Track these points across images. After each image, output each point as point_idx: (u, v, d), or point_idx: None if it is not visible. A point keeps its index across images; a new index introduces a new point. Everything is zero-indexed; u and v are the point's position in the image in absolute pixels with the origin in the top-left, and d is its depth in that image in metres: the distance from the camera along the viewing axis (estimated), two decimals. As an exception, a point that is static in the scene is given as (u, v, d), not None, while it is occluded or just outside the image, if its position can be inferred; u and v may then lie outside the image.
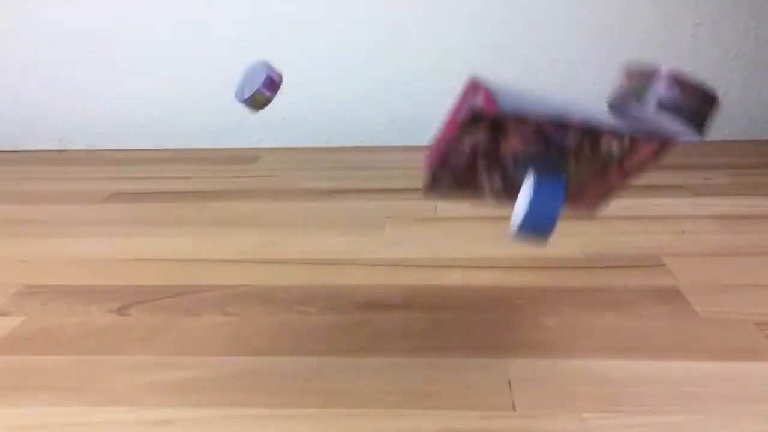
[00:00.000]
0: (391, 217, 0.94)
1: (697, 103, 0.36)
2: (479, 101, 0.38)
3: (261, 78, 0.68)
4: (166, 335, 0.64)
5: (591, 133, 0.40)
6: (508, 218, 0.92)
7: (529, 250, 0.81)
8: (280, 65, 1.32)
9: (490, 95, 0.37)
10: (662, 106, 0.36)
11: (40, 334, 0.64)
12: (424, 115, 1.34)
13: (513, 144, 0.41)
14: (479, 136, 0.40)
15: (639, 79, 0.37)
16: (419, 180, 1.11)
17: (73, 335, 0.64)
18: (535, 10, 1.27)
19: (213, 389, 0.55)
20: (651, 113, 0.37)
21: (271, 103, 1.34)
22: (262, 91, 0.69)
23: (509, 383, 0.55)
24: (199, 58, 1.31)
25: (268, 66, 0.67)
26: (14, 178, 1.20)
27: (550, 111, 0.38)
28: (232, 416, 0.51)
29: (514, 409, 0.51)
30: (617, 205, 0.96)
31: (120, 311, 0.68)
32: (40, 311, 0.69)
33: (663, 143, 0.41)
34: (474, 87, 0.39)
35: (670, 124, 0.38)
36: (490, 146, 0.41)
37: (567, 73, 1.30)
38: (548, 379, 0.55)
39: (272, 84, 0.70)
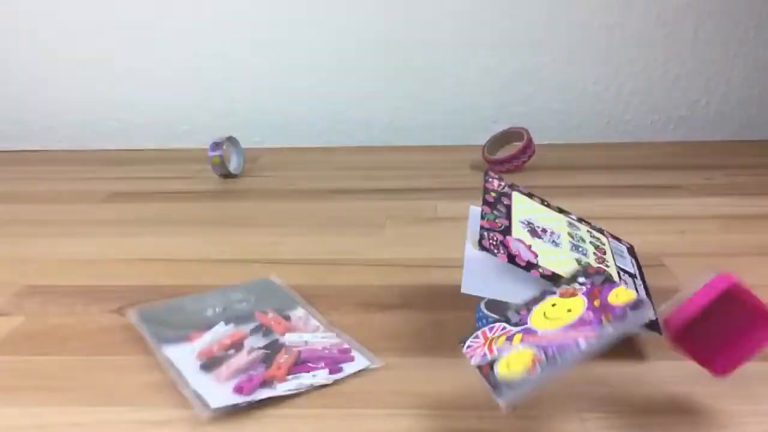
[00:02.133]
0: (391, 217, 0.94)
1: None
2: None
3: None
4: (166, 335, 0.64)
5: None
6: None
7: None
8: (280, 66, 1.32)
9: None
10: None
11: (40, 334, 0.64)
12: (424, 115, 1.34)
13: None
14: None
15: None
16: (419, 180, 1.11)
17: (73, 335, 0.64)
18: (534, 9, 1.27)
19: (213, 389, 0.55)
20: None
21: (271, 105, 1.34)
22: (211, 154, 1.11)
23: (509, 383, 0.55)
24: (200, 59, 1.31)
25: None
26: (14, 178, 1.20)
27: None
28: (232, 416, 0.51)
29: (514, 409, 0.51)
30: (617, 205, 0.97)
31: (120, 311, 0.68)
32: (40, 311, 0.69)
33: None
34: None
35: None
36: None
37: (566, 72, 1.30)
38: (548, 379, 0.55)
39: (215, 146, 1.11)
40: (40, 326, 0.66)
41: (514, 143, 1.16)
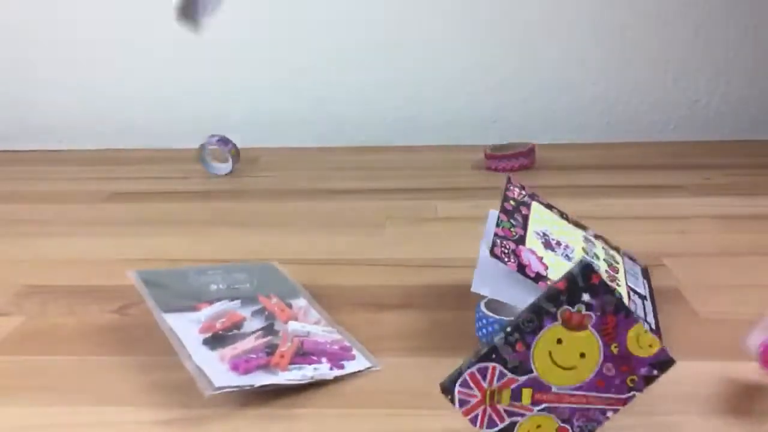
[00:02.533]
0: (391, 217, 0.94)
1: None
2: None
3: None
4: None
5: None
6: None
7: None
8: (280, 66, 1.32)
9: None
10: None
11: (40, 334, 0.64)
12: (424, 115, 1.34)
13: None
14: None
15: None
16: (419, 180, 1.11)
17: (73, 335, 0.64)
18: (534, 9, 1.27)
19: (213, 389, 0.55)
20: None
21: (270, 105, 1.34)
22: (226, 147, 1.15)
23: (509, 383, 0.55)
24: (200, 59, 1.31)
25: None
26: (14, 178, 1.20)
27: None
28: (232, 416, 0.51)
29: None
30: (617, 205, 0.97)
31: (120, 311, 0.68)
32: (40, 311, 0.69)
33: None
34: None
35: None
36: None
37: (566, 73, 1.30)
38: (548, 379, 0.55)
39: (224, 141, 1.15)
40: (40, 326, 0.66)
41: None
